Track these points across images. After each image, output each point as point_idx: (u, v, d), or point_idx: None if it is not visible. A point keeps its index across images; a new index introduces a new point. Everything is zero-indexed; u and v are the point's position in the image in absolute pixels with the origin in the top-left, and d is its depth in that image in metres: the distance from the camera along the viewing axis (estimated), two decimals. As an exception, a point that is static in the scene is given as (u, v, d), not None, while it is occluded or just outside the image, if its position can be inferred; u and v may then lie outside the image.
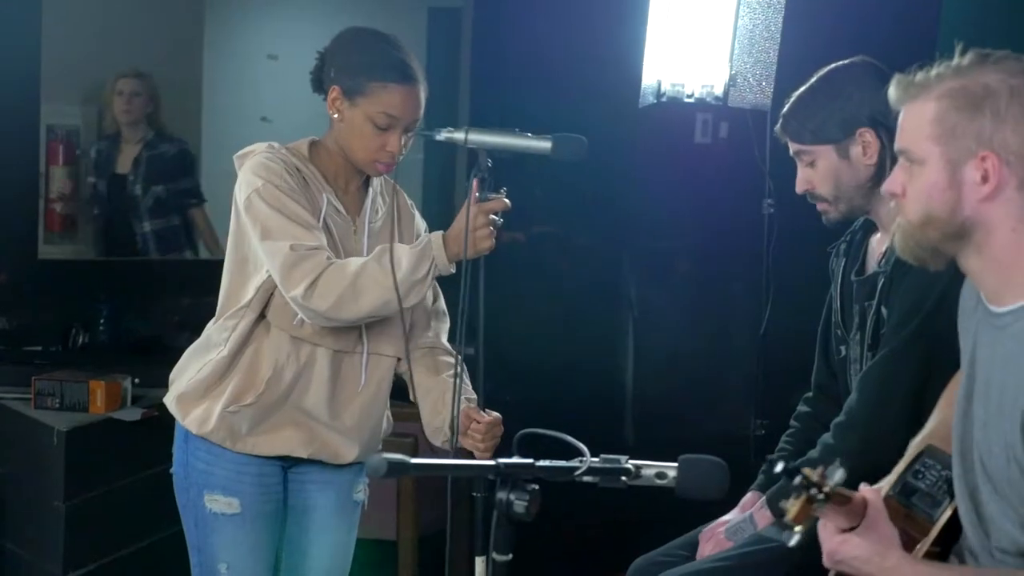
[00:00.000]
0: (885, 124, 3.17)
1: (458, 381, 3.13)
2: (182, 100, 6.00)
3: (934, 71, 2.44)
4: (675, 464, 2.46)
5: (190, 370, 3.35)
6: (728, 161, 5.54)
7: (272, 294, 3.27)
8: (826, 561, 2.48)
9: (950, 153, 2.39)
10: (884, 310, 3.22)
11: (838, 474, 2.27)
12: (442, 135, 3.08)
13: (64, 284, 5.51)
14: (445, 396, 3.29)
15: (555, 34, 5.54)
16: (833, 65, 3.34)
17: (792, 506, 2.26)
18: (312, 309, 3.14)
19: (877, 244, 3.37)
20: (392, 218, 3.43)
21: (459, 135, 3.05)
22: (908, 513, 2.61)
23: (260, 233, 3.18)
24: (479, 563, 2.43)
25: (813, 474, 2.25)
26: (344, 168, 3.36)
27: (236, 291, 3.31)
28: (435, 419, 3.32)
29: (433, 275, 3.14)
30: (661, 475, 2.45)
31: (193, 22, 6.07)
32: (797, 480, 2.23)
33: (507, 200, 3.08)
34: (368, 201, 3.41)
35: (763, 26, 4.49)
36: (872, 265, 3.34)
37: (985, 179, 2.37)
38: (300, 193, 3.23)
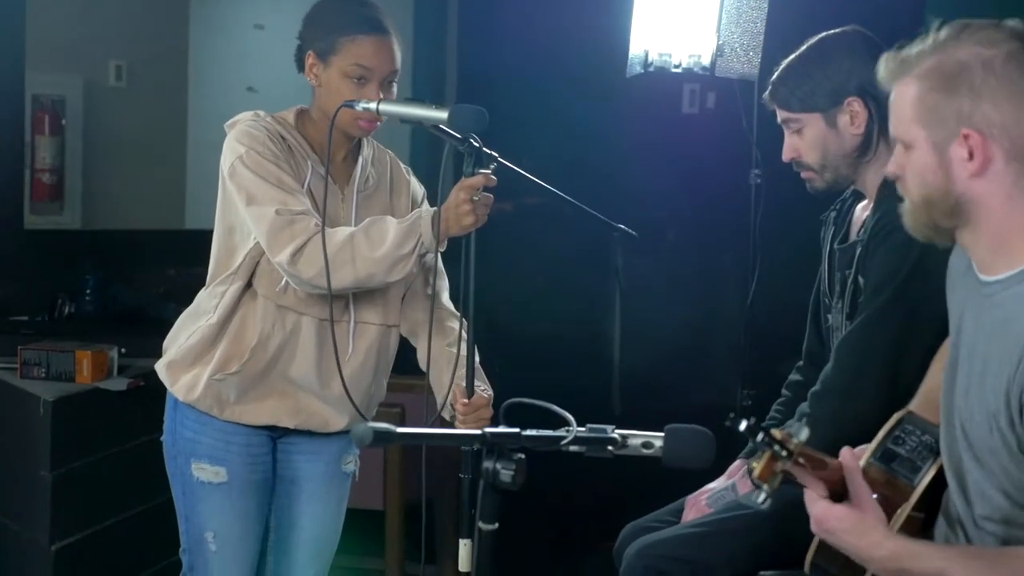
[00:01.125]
0: (873, 94, 3.18)
1: (459, 350, 3.19)
2: (168, 71, 5.99)
3: (915, 48, 2.44)
4: (661, 434, 2.46)
5: (180, 337, 3.36)
6: (715, 131, 5.54)
7: (259, 261, 3.27)
8: (813, 527, 2.48)
9: (935, 135, 2.39)
10: (861, 279, 3.23)
11: (803, 433, 2.29)
12: (360, 106, 3.14)
13: (50, 254, 5.51)
14: (442, 376, 3.29)
15: (542, 5, 5.54)
16: (824, 34, 3.34)
17: (757, 463, 2.27)
18: (297, 275, 3.15)
19: (860, 213, 3.37)
20: (386, 188, 3.45)
21: (372, 105, 3.13)
22: (889, 479, 2.63)
23: (245, 199, 3.18)
24: (463, 546, 2.44)
25: (777, 432, 2.27)
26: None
27: (224, 259, 3.32)
28: (438, 396, 3.32)
29: (419, 252, 3.14)
30: (647, 445, 2.45)
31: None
32: (760, 437, 2.24)
33: (493, 176, 3.10)
34: (358, 170, 3.41)
35: (750, -6, 4.49)
36: (854, 233, 3.35)
37: (971, 156, 2.36)
38: (284, 160, 3.24)
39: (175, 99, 5.96)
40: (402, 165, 3.56)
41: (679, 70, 4.58)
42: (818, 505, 2.43)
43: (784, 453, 2.25)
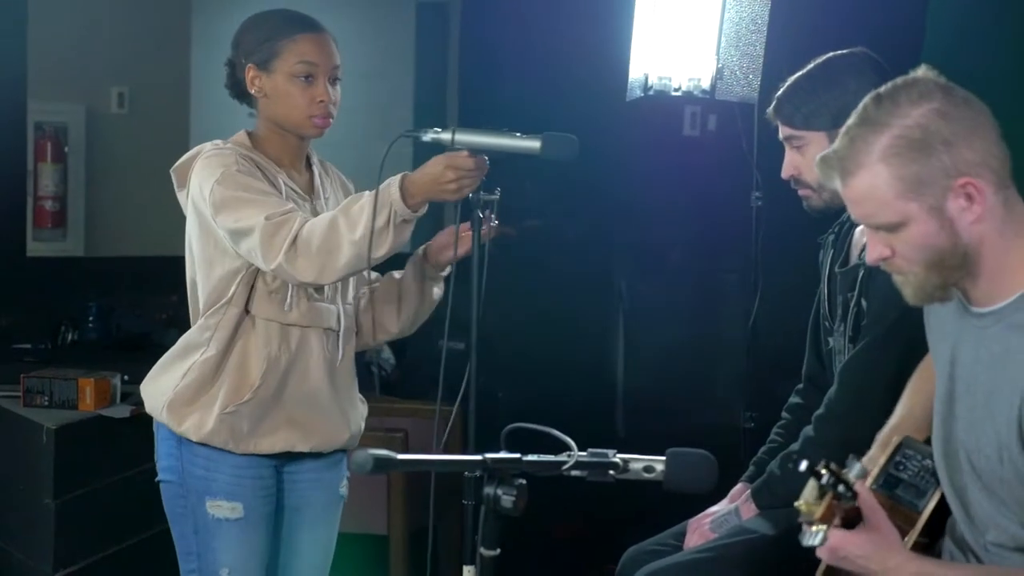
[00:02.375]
0: None
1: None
2: (170, 96, 6.01)
3: (849, 141, 2.40)
4: (663, 458, 2.46)
5: (172, 377, 3.30)
6: (717, 153, 5.54)
7: (254, 286, 3.26)
8: (827, 557, 2.46)
9: (928, 200, 2.36)
10: (864, 302, 3.22)
11: (856, 468, 2.29)
12: (428, 136, 3.08)
13: (53, 281, 5.51)
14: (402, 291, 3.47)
15: (542, 29, 5.56)
16: (832, 54, 3.33)
17: (819, 505, 2.27)
18: (296, 275, 3.12)
19: (859, 235, 3.37)
20: (338, 190, 3.49)
21: (445, 136, 3.06)
22: (893, 505, 2.62)
23: (233, 219, 3.15)
24: (467, 572, 2.43)
25: (840, 472, 2.27)
26: (285, 149, 3.36)
27: (212, 291, 3.28)
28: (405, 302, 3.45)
29: (395, 221, 3.08)
30: (649, 469, 2.45)
31: (180, 17, 6.07)
32: (825, 479, 2.24)
33: (482, 159, 3.06)
34: (316, 179, 3.42)
35: (749, 19, 4.48)
36: (855, 256, 3.34)
37: (971, 201, 2.35)
38: (258, 175, 3.23)
39: (177, 125, 5.98)
40: (338, 171, 3.58)
41: (679, 93, 4.59)
42: (838, 534, 2.41)
43: (849, 494, 2.26)
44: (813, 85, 3.28)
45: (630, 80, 4.57)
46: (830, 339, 3.40)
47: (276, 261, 3.10)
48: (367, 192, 3.14)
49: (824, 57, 3.34)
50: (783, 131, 3.33)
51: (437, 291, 3.49)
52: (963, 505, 2.51)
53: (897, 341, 3.11)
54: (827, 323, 3.42)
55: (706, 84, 4.57)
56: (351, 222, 3.09)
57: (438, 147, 3.11)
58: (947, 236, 2.37)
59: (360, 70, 6.20)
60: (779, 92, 3.34)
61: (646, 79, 4.57)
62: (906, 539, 2.57)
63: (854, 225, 3.41)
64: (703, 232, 5.92)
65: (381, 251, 3.10)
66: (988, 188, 2.35)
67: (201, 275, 3.31)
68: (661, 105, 4.89)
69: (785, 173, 3.35)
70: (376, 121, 6.32)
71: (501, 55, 5.85)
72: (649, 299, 6.11)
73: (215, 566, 3.33)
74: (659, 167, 5.67)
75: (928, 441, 2.66)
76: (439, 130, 3.07)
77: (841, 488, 2.26)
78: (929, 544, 2.61)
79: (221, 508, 3.30)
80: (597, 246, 6.17)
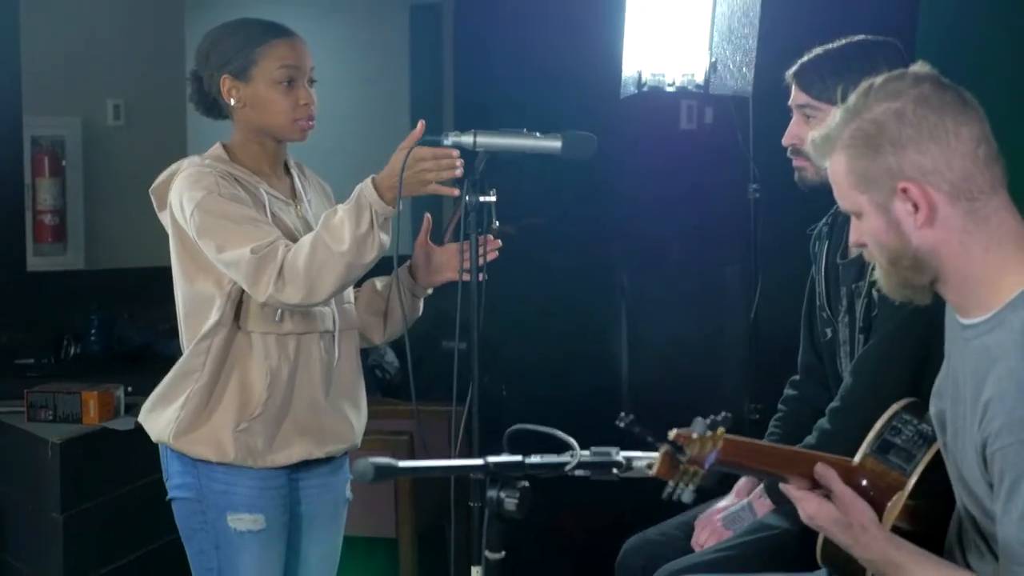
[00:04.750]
0: None
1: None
2: (166, 107, 6.01)
3: (835, 121, 2.43)
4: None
5: (172, 408, 3.28)
6: (715, 146, 5.54)
7: (241, 302, 3.24)
8: (807, 520, 2.53)
9: (875, 197, 2.38)
10: (875, 293, 3.20)
11: (701, 427, 2.33)
12: (449, 139, 3.08)
13: (54, 295, 5.51)
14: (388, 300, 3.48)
15: (535, 28, 5.56)
16: (865, 36, 3.28)
17: (656, 459, 2.35)
18: (287, 301, 3.12)
19: None
20: (320, 193, 3.49)
21: (467, 139, 3.06)
22: (884, 470, 2.64)
23: (216, 248, 3.14)
24: (475, 573, 2.43)
25: (672, 433, 2.34)
26: (264, 156, 3.34)
27: (200, 312, 3.26)
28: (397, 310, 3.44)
29: (377, 223, 3.10)
30: (652, 466, 2.45)
31: (173, 27, 6.07)
32: (648, 438, 2.35)
33: (445, 149, 3.08)
34: (296, 183, 3.42)
35: (741, 12, 4.48)
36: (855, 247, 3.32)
37: (916, 207, 2.35)
38: (239, 194, 3.21)
39: (174, 135, 5.98)
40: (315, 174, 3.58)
41: (673, 89, 4.59)
42: (810, 503, 2.50)
43: (676, 448, 2.34)
44: (844, 60, 3.21)
45: (624, 77, 4.57)
46: (828, 330, 3.38)
47: (266, 294, 3.11)
48: (340, 206, 3.15)
49: (858, 37, 3.28)
50: (798, 97, 3.26)
51: (422, 304, 3.51)
52: (961, 500, 2.52)
53: (912, 333, 3.09)
54: (824, 314, 3.40)
55: (700, 79, 4.56)
56: (335, 236, 3.09)
57: (461, 153, 3.12)
58: (895, 236, 2.38)
59: (356, 75, 6.23)
60: (806, 58, 3.26)
61: (639, 76, 4.57)
62: (895, 499, 2.58)
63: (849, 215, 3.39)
64: (703, 225, 5.92)
65: (371, 255, 3.13)
66: (939, 197, 2.34)
67: (183, 292, 3.30)
68: (657, 100, 4.89)
69: (787, 140, 3.29)
70: (373, 126, 6.34)
71: (495, 56, 5.86)
72: (651, 293, 6.11)
73: None
74: (657, 162, 5.67)
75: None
76: (459, 134, 3.07)
77: (669, 448, 2.33)
78: (925, 507, 2.62)
79: (243, 521, 3.29)
80: (598, 242, 6.17)
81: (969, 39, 4.69)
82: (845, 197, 2.44)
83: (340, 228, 3.10)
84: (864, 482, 2.59)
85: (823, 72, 3.21)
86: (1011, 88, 4.47)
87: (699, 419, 2.35)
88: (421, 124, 3.12)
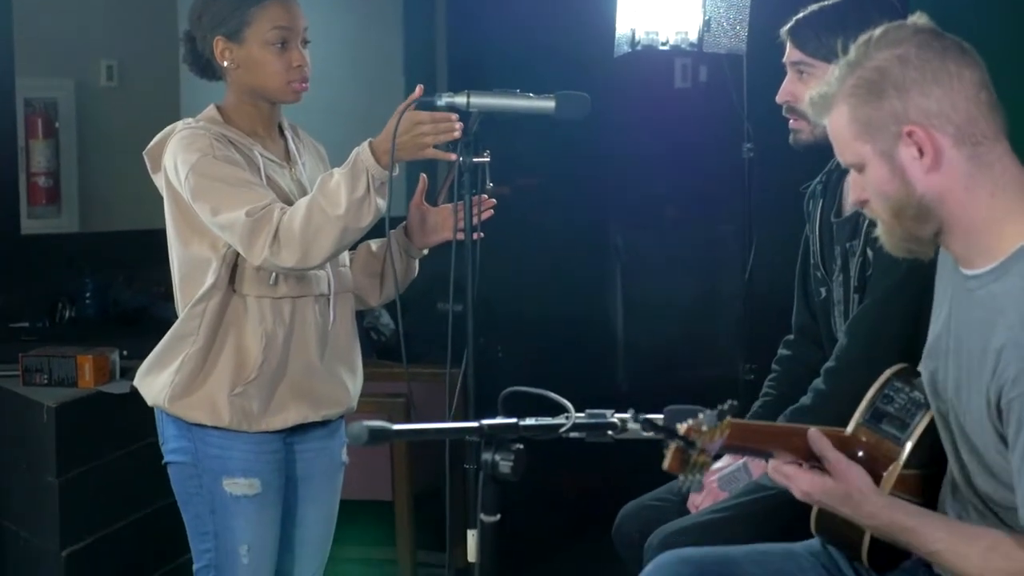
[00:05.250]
0: None
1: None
2: (160, 68, 5.98)
3: (834, 76, 2.43)
4: (661, 416, 2.45)
5: (167, 371, 3.27)
6: (710, 104, 5.53)
7: (236, 265, 3.23)
8: (802, 498, 2.53)
9: (879, 145, 2.37)
10: (870, 252, 3.19)
11: (712, 419, 2.32)
12: (443, 100, 3.08)
13: (49, 258, 5.50)
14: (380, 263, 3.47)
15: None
16: None
17: (667, 455, 2.32)
18: (282, 265, 3.12)
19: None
20: (314, 154, 3.48)
21: (460, 99, 3.06)
22: (878, 439, 2.63)
23: (210, 210, 3.13)
24: (471, 536, 2.43)
25: (682, 427, 2.29)
26: (259, 118, 3.33)
27: (195, 275, 3.26)
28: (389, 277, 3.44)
29: (374, 187, 3.10)
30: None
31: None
32: (654, 433, 2.32)
33: (454, 115, 3.08)
34: (291, 145, 3.40)
35: (736, -28, 4.48)
36: (849, 206, 3.31)
37: (921, 151, 2.34)
38: (234, 156, 3.20)
39: (168, 96, 5.94)
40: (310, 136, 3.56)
41: (666, 47, 4.58)
42: (803, 479, 2.49)
43: (688, 444, 2.30)
44: (839, 15, 3.18)
45: (617, 36, 4.56)
46: (823, 289, 3.38)
47: (261, 257, 3.11)
48: (336, 169, 3.15)
49: None
50: (793, 54, 3.23)
51: (417, 265, 3.50)
52: (959, 459, 2.51)
53: (908, 292, 3.07)
54: (819, 273, 3.39)
55: (693, 37, 4.55)
56: (331, 200, 3.09)
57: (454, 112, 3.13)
58: (900, 184, 2.38)
59: (348, 37, 6.20)
60: (801, 15, 3.24)
61: (633, 34, 4.56)
62: (891, 468, 2.58)
63: (844, 173, 3.37)
64: (698, 185, 5.92)
65: (368, 219, 3.12)
66: (945, 141, 2.34)
67: (177, 255, 3.29)
68: (652, 59, 4.88)
69: (781, 97, 3.26)
70: (366, 88, 6.31)
71: (488, 16, 5.84)
72: (646, 253, 6.12)
73: (233, 544, 3.32)
74: (651, 121, 5.67)
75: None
76: (452, 95, 3.07)
77: (679, 442, 2.30)
78: (920, 475, 2.61)
79: (239, 485, 3.29)
80: (592, 202, 6.17)
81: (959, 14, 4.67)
82: (847, 149, 2.43)
83: (336, 192, 3.09)
84: (860, 453, 2.58)
85: (818, 28, 3.19)
86: (1006, 51, 4.45)
87: (707, 411, 2.34)
88: (419, 88, 3.11)
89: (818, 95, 2.46)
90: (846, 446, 2.56)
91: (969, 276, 2.43)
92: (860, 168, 2.43)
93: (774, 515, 3.14)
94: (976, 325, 2.40)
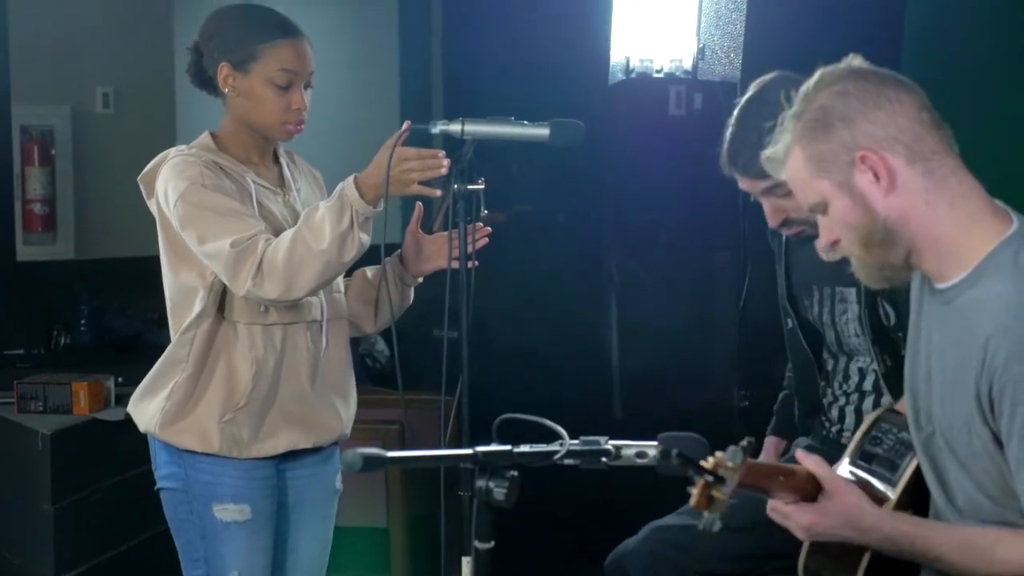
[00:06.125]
0: None
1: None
2: (156, 94, 5.99)
3: (780, 130, 2.50)
4: (655, 443, 2.46)
5: (157, 399, 3.28)
6: (704, 132, 5.52)
7: (225, 292, 3.23)
8: (803, 536, 2.55)
9: (836, 177, 2.43)
10: (888, 307, 3.17)
11: (737, 456, 2.32)
12: (437, 128, 3.09)
13: (44, 285, 5.50)
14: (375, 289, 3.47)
15: (523, 14, 5.55)
16: (749, 97, 3.20)
17: (694, 491, 2.32)
18: (265, 296, 3.12)
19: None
20: (310, 181, 3.49)
21: (455, 127, 3.07)
22: (869, 481, 2.64)
23: (197, 239, 3.14)
24: (465, 564, 2.43)
25: (710, 460, 2.30)
26: (253, 145, 3.33)
27: (184, 302, 3.27)
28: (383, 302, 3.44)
29: (358, 222, 3.10)
30: (641, 454, 2.45)
31: (163, 13, 6.05)
32: (690, 471, 2.31)
33: (431, 150, 3.09)
34: (285, 171, 3.41)
35: (728, -1, 4.50)
36: (822, 249, 3.25)
37: (877, 175, 2.40)
38: (225, 184, 3.20)
39: (164, 123, 5.95)
40: (306, 162, 3.56)
41: (661, 75, 4.59)
42: (803, 514, 2.50)
43: (716, 479, 2.31)
44: (760, 132, 2.95)
45: (611, 63, 4.57)
46: (788, 320, 3.40)
47: (244, 288, 3.11)
48: (322, 203, 3.16)
49: (744, 102, 3.19)
50: (752, 185, 3.18)
51: (413, 292, 3.50)
52: (942, 484, 2.53)
53: None
54: (786, 304, 3.40)
55: (688, 65, 4.57)
56: (315, 234, 3.10)
57: (429, 137, 3.14)
58: (862, 212, 2.42)
59: (345, 60, 6.20)
60: (726, 147, 3.19)
61: (627, 62, 4.58)
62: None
63: None
64: (693, 211, 5.90)
65: (351, 254, 3.13)
66: (897, 161, 2.40)
67: (168, 282, 3.30)
68: (646, 87, 4.89)
69: (773, 223, 3.21)
70: (363, 111, 6.31)
71: (484, 43, 5.85)
72: (641, 280, 6.10)
73: (224, 570, 3.32)
74: (646, 148, 5.67)
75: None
76: (447, 122, 3.08)
77: (708, 478, 2.30)
78: (914, 513, 2.62)
79: (229, 511, 3.29)
80: (588, 229, 6.16)
81: (956, 15, 4.68)
82: (808, 190, 2.48)
83: (321, 226, 3.10)
84: None
85: (751, 152, 3.01)
86: (997, 78, 4.46)
87: (732, 447, 2.35)
88: (406, 124, 3.12)
89: (771, 152, 2.53)
90: None
91: (944, 289, 2.46)
92: (823, 208, 2.47)
93: (752, 529, 3.10)
94: (955, 333, 2.43)
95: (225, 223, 3.13)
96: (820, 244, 2.54)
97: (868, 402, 3.29)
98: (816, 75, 2.48)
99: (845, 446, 3.17)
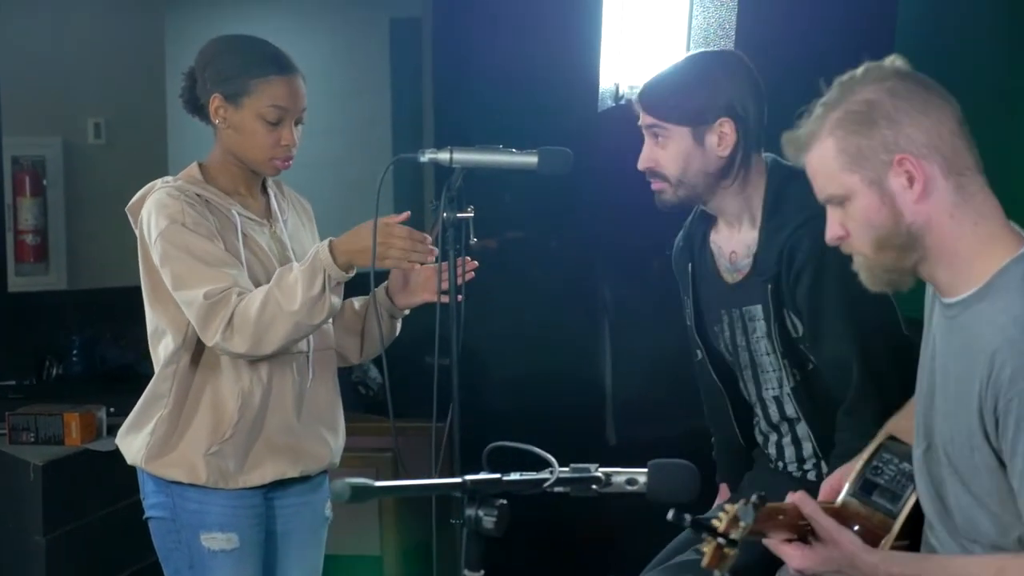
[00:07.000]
0: (746, 120, 3.12)
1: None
2: (147, 125, 6.00)
3: (813, 116, 2.46)
4: (645, 470, 2.46)
5: (142, 434, 3.29)
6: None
7: None
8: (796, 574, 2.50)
9: (869, 174, 2.40)
10: (794, 317, 3.14)
11: (749, 516, 2.30)
12: (426, 156, 3.09)
13: (36, 316, 5.50)
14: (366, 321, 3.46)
15: (513, 42, 5.55)
16: (705, 50, 3.29)
17: (705, 550, 2.30)
18: (233, 351, 3.13)
19: (725, 243, 3.29)
20: (298, 212, 3.48)
21: (443, 155, 3.08)
22: (870, 512, 2.62)
23: (172, 282, 3.14)
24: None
25: (722, 519, 2.28)
26: (241, 177, 3.33)
27: (161, 336, 3.27)
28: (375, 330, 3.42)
29: (330, 286, 3.11)
30: (631, 481, 2.45)
31: (154, 44, 6.06)
32: (703, 533, 2.28)
33: (420, 234, 3.11)
34: (273, 202, 3.40)
35: (717, 24, 4.49)
36: (725, 264, 3.28)
37: (911, 180, 2.38)
38: (207, 223, 3.19)
39: (155, 153, 5.96)
40: (295, 192, 3.56)
41: (650, 101, 4.59)
42: (794, 556, 2.46)
43: (725, 542, 2.29)
44: (685, 79, 3.20)
45: (601, 90, 4.58)
46: (698, 351, 3.40)
47: (213, 340, 3.11)
48: (295, 264, 3.17)
49: (697, 52, 3.33)
50: (645, 119, 3.21)
51: (399, 324, 3.50)
52: (940, 498, 2.51)
53: (886, 365, 3.06)
54: (695, 335, 3.41)
55: (677, 91, 4.57)
56: (287, 295, 3.10)
57: (419, 165, 3.14)
58: (889, 213, 2.40)
59: (336, 90, 6.22)
60: (647, 81, 3.26)
61: (617, 88, 4.58)
62: (883, 543, 2.57)
63: (707, 229, 3.36)
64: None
65: (320, 317, 3.15)
66: (933, 169, 2.38)
67: (148, 315, 3.30)
68: (633, 114, 4.90)
69: (642, 165, 3.25)
70: (354, 140, 6.33)
71: (474, 70, 5.85)
72: (634, 306, 6.09)
73: None
74: (636, 174, 5.67)
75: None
76: (435, 150, 3.08)
77: (720, 540, 2.29)
78: (909, 547, 2.61)
79: (216, 540, 3.28)
80: (579, 255, 6.16)
81: (947, 38, 4.70)
82: (832, 181, 2.44)
83: (293, 287, 3.11)
84: (856, 527, 2.57)
85: (663, 92, 3.20)
86: (991, 81, 4.48)
87: (742, 504, 2.33)
88: (406, 215, 3.13)
89: (796, 135, 2.48)
90: (839, 519, 2.54)
91: (952, 303, 2.45)
92: (842, 201, 2.45)
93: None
94: (960, 347, 2.42)
95: (200, 271, 3.13)
96: (829, 238, 2.52)
97: (801, 428, 3.24)
98: (861, 68, 2.44)
99: (799, 479, 3.21)
